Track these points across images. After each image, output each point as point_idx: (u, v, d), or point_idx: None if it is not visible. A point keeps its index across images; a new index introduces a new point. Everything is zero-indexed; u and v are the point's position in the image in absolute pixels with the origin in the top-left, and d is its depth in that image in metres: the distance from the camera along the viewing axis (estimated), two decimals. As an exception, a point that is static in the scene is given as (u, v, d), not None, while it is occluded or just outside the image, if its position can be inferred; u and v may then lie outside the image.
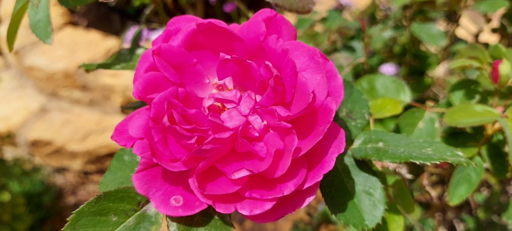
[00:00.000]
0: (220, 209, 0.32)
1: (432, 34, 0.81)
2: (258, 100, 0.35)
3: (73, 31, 2.05)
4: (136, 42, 0.65)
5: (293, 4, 0.45)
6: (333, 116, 0.32)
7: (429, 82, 0.87)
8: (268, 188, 0.32)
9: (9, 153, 1.86)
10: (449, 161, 0.36)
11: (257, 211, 0.31)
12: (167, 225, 0.34)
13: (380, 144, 0.40)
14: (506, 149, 0.52)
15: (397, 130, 0.56)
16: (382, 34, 0.90)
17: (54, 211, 1.77)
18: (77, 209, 0.33)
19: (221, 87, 0.37)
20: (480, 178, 0.51)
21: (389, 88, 0.59)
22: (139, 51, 0.53)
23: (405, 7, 0.90)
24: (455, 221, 0.97)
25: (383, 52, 0.99)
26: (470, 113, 0.48)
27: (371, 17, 1.01)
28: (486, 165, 0.53)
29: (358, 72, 0.87)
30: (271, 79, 0.32)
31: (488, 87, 0.57)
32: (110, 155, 1.81)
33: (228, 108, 0.35)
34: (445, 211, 0.95)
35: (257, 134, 0.33)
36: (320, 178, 0.32)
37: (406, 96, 0.59)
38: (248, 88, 0.36)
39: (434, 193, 0.71)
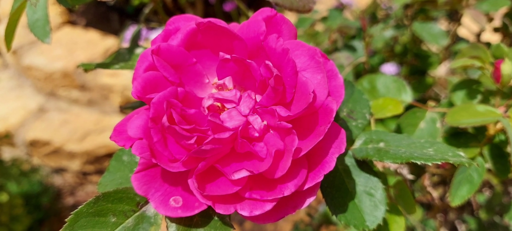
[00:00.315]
0: (220, 209, 0.31)
1: (433, 34, 0.81)
2: (258, 100, 0.35)
3: (71, 31, 2.04)
4: (135, 41, 0.65)
5: (294, 3, 0.45)
6: (334, 116, 0.31)
7: (430, 82, 0.87)
8: (268, 189, 0.31)
9: (7, 153, 1.86)
10: (451, 162, 0.36)
11: (257, 212, 0.31)
12: (167, 226, 0.34)
13: (381, 144, 0.39)
14: (508, 149, 0.52)
15: (399, 130, 0.56)
16: (383, 34, 0.90)
17: (53, 212, 1.77)
18: (76, 210, 0.33)
19: (221, 87, 0.36)
20: (482, 179, 0.51)
21: (390, 88, 0.59)
22: (138, 51, 0.52)
23: (406, 6, 0.90)
24: (456, 222, 0.97)
25: (384, 51, 0.99)
26: (472, 114, 0.48)
27: (372, 16, 1.01)
28: (488, 165, 0.52)
29: (359, 72, 0.87)
30: (271, 79, 0.32)
31: (490, 87, 0.56)
32: (109, 155, 1.81)
33: (227, 108, 0.34)
34: (447, 212, 0.95)
35: (257, 134, 0.33)
36: (321, 179, 0.32)
37: (408, 96, 0.59)
38: (248, 88, 0.36)
39: (435, 193, 0.71)
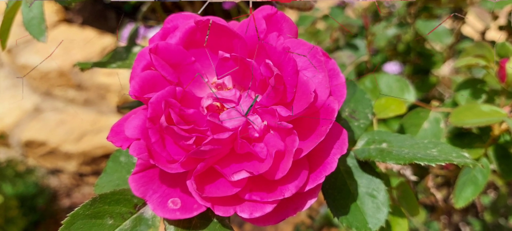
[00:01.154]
0: (219, 211, 0.31)
1: (437, 32, 0.81)
2: (258, 99, 0.34)
3: (67, 29, 2.04)
4: (132, 40, 0.65)
5: (295, 1, 0.45)
6: (336, 116, 0.31)
7: (434, 81, 0.86)
8: (269, 190, 0.31)
9: (2, 154, 1.85)
10: (455, 162, 0.35)
11: (257, 214, 0.30)
12: (165, 228, 0.33)
13: (384, 145, 0.39)
14: (513, 149, 0.52)
15: (401, 130, 0.55)
16: (385, 32, 0.90)
17: (48, 214, 1.76)
18: (72, 212, 0.33)
19: (220, 87, 0.36)
20: (487, 180, 0.51)
21: (393, 87, 0.59)
22: (136, 50, 0.52)
23: (409, 4, 0.89)
24: (461, 224, 0.97)
25: (386, 50, 0.99)
26: (477, 113, 0.48)
27: (374, 14, 1.01)
28: (493, 166, 0.52)
29: (361, 71, 0.87)
30: (271, 78, 0.31)
31: (495, 86, 0.56)
32: (106, 156, 1.80)
33: (227, 108, 0.34)
34: (451, 214, 0.95)
35: (257, 135, 0.33)
36: (322, 180, 0.31)
37: (411, 95, 0.58)
38: (248, 88, 0.35)
39: (439, 195, 0.71)
